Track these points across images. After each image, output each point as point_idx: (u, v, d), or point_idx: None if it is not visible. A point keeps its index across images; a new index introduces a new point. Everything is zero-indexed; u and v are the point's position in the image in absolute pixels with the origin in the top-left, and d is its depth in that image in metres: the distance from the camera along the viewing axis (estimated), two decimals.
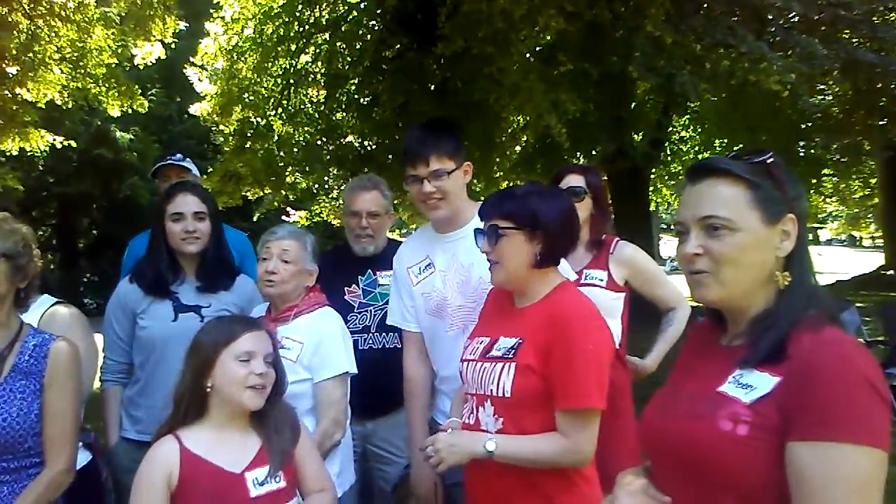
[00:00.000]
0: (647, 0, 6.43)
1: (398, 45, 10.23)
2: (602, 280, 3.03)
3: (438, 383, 2.63)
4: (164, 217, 2.82)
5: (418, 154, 2.42)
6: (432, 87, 10.40)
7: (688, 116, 12.58)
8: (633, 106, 10.14)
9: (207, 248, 2.85)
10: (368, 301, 3.17)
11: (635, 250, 3.21)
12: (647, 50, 6.69)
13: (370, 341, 3.14)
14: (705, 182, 1.36)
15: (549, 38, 7.74)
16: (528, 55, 7.73)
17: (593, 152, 11.16)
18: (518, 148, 12.03)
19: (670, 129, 12.65)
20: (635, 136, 10.76)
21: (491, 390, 2.01)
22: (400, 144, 10.48)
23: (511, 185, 2.69)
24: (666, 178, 14.91)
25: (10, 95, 8.75)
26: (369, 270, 3.20)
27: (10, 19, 8.24)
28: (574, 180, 3.15)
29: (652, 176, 13.48)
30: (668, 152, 13.63)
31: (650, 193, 13.64)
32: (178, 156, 3.74)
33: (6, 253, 2.08)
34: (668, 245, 31.00)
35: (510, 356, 2.00)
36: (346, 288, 3.17)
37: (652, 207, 15.51)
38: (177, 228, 2.80)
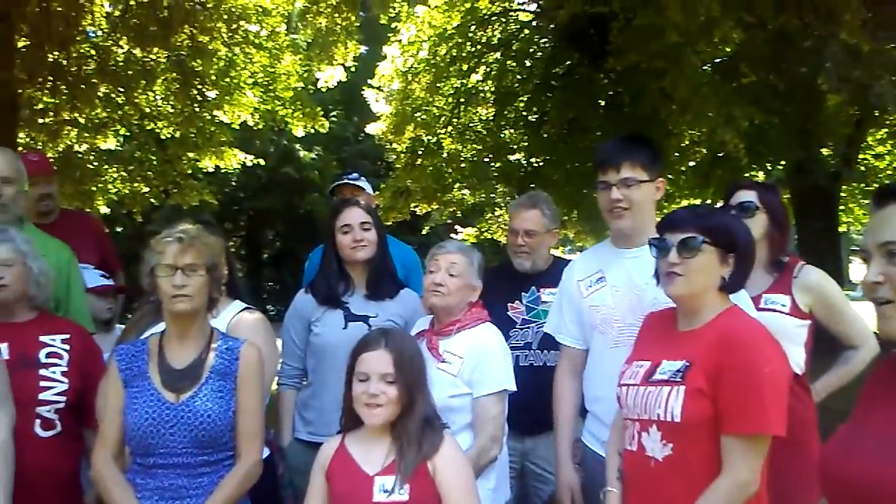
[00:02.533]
0: (841, 5, 5.93)
1: (568, 62, 10.21)
2: (785, 305, 2.81)
3: (589, 403, 2.58)
4: (334, 231, 2.97)
5: (610, 160, 2.39)
6: (602, 103, 10.27)
7: (885, 130, 11.46)
8: (822, 119, 9.39)
9: (374, 258, 2.96)
10: (531, 318, 3.15)
11: (823, 277, 2.95)
12: (840, 59, 6.18)
13: (531, 358, 3.12)
14: (891, 206, 1.27)
15: (727, 49, 7.38)
16: (704, 68, 7.39)
17: (775, 167, 10.47)
18: (692, 163, 11.54)
19: (864, 143, 11.60)
20: (823, 151, 9.98)
21: (658, 415, 1.92)
22: (567, 161, 10.53)
23: (686, 202, 2.58)
24: (858, 196, 13.67)
25: (208, 117, 9.63)
26: (533, 287, 3.18)
27: (210, 47, 9.09)
28: (745, 195, 2.96)
29: (843, 194, 12.40)
30: (863, 169, 12.48)
31: (840, 213, 12.56)
32: (354, 175, 3.91)
33: (208, 266, 2.27)
34: (860, 269, 28.39)
35: (678, 379, 1.90)
36: (509, 303, 3.17)
37: (842, 228, 14.28)
38: (346, 239, 2.94)
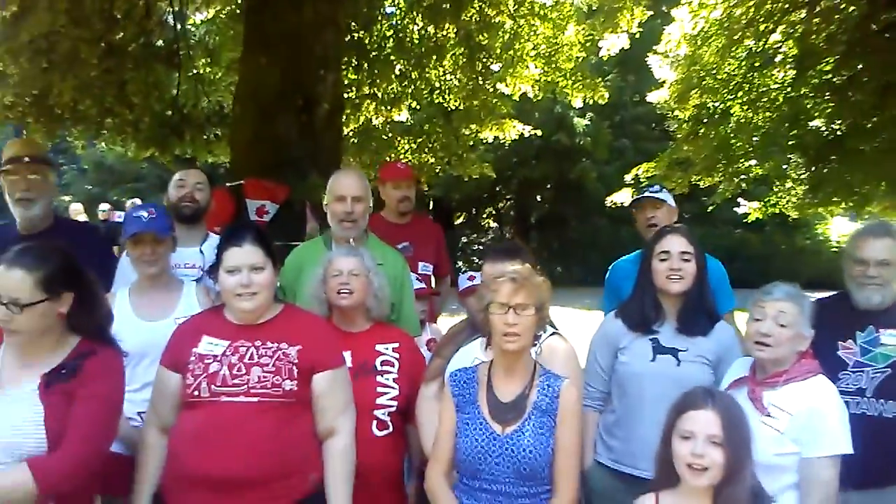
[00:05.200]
0: None
1: (886, 17, 8.89)
2: None
3: None
4: (651, 257, 2.89)
5: None
6: None
7: None
8: None
9: (690, 290, 2.85)
10: (866, 360, 2.81)
11: None
12: None
13: (863, 406, 2.79)
14: None
15: None
16: None
17: None
18: None
19: None
20: None
21: None
22: (880, 130, 9.27)
23: None
24: None
25: (491, 90, 9.87)
26: (871, 326, 2.83)
27: (496, 21, 9.28)
28: None
29: None
30: None
31: None
32: (656, 187, 3.80)
33: (537, 305, 2.35)
34: None
35: None
36: (840, 342, 2.86)
37: None
38: (662, 267, 2.85)
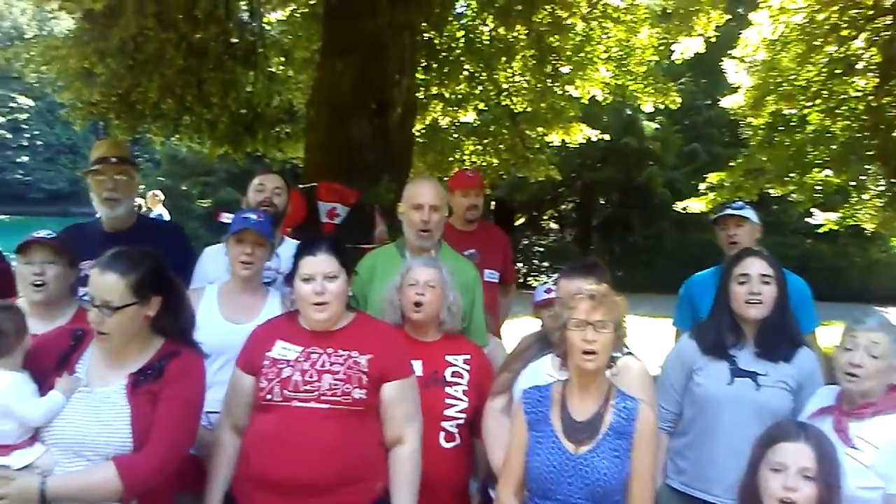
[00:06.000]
0: None
1: None
2: None
3: None
4: (730, 279, 2.82)
5: None
6: None
7: None
8: None
9: (770, 315, 2.78)
10: None
11: None
12: None
13: None
14: None
15: None
16: None
17: None
18: None
19: None
20: None
21: None
22: None
23: None
24: None
25: (559, 93, 9.76)
26: None
27: (567, 23, 9.17)
28: None
29: None
30: None
31: None
32: (739, 204, 3.70)
33: (615, 323, 2.33)
34: None
35: None
36: None
37: None
38: (741, 290, 2.78)
